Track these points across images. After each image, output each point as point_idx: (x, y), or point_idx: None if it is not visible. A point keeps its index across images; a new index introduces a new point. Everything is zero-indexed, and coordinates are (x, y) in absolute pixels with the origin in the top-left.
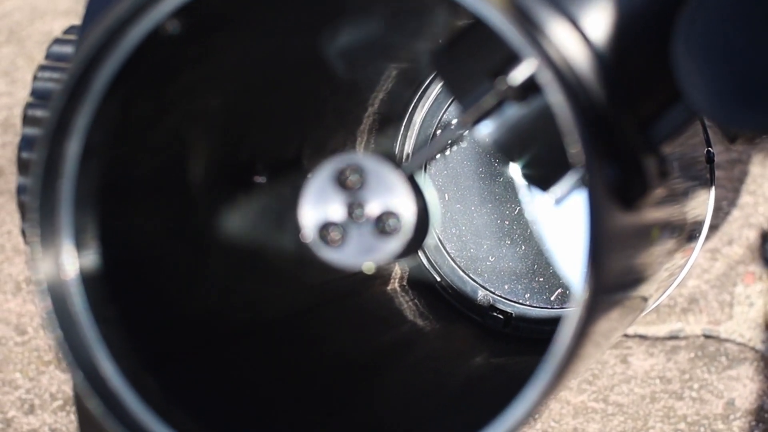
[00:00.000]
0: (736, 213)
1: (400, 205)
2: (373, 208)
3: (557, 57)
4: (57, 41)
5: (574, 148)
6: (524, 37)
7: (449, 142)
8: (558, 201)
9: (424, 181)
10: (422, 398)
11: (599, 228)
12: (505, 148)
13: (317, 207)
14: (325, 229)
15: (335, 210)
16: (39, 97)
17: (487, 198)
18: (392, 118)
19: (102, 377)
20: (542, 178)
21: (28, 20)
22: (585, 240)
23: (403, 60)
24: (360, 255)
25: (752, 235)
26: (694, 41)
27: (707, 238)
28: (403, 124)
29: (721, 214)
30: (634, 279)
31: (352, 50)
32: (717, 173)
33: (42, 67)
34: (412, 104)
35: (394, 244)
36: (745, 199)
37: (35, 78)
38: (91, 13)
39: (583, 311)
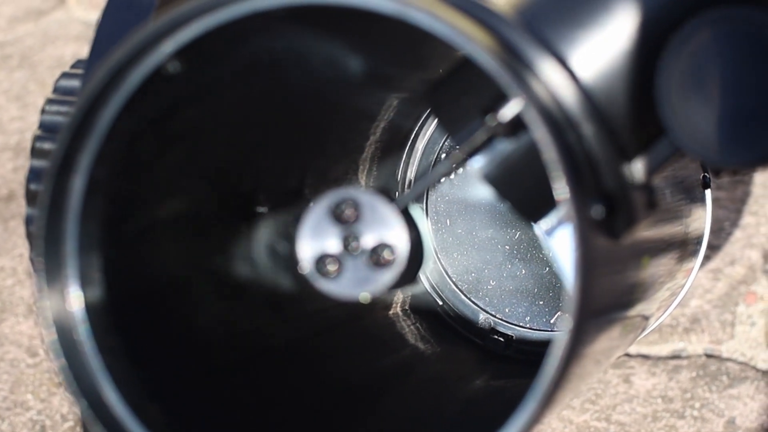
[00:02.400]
0: (738, 233)
1: (394, 237)
2: (368, 240)
3: (544, 95)
4: (64, 75)
5: (559, 183)
6: (510, 77)
7: (442, 175)
8: (548, 233)
9: (419, 213)
10: (422, 421)
11: (583, 259)
12: (496, 182)
13: (314, 240)
14: (321, 261)
15: (331, 243)
16: (47, 129)
17: (488, 223)
18: (394, 146)
19: (106, 405)
20: (532, 210)
21: (40, 45)
22: (571, 270)
23: (405, 90)
24: (356, 286)
25: (754, 256)
26: (677, 78)
27: (710, 258)
28: (405, 151)
29: (723, 234)
30: (628, 301)
31: (353, 81)
32: (719, 194)
33: (50, 101)
34: (414, 132)
35: (389, 275)
36: (746, 219)
37: (43, 111)
38: (96, 50)
39: (570, 336)
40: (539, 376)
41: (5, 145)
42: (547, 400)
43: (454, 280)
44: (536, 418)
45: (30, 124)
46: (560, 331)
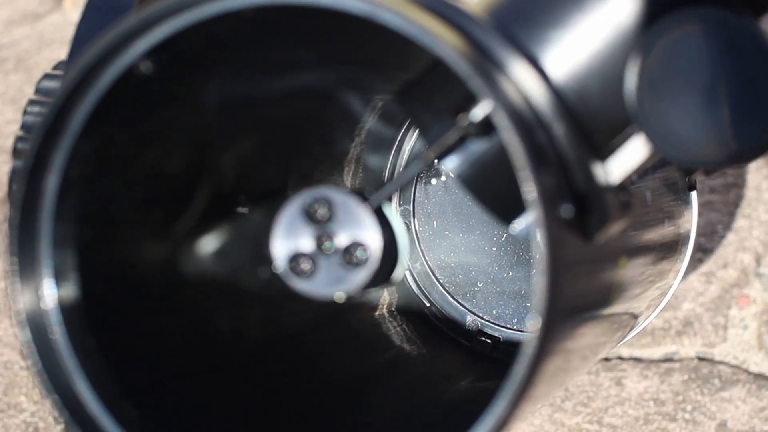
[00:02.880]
0: (731, 236)
1: (368, 237)
2: (341, 239)
3: (514, 95)
4: (46, 76)
5: (527, 184)
6: (480, 79)
7: (414, 175)
8: (520, 233)
9: (392, 212)
10: (407, 421)
11: (551, 259)
12: (469, 182)
13: (288, 239)
14: (295, 260)
15: (305, 242)
16: (28, 130)
17: (475, 225)
18: (380, 147)
19: (81, 404)
20: (505, 210)
21: (36, 48)
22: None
23: (388, 92)
24: (329, 285)
25: (747, 259)
26: (647, 78)
27: (702, 261)
28: (392, 153)
29: (716, 237)
30: (608, 299)
31: (333, 83)
32: (712, 197)
33: (32, 102)
34: (401, 133)
35: (362, 275)
36: (739, 222)
37: (25, 112)
38: (75, 52)
39: (539, 334)
40: (509, 374)
41: (1, 148)
42: (518, 398)
43: (441, 282)
44: (510, 414)
45: None
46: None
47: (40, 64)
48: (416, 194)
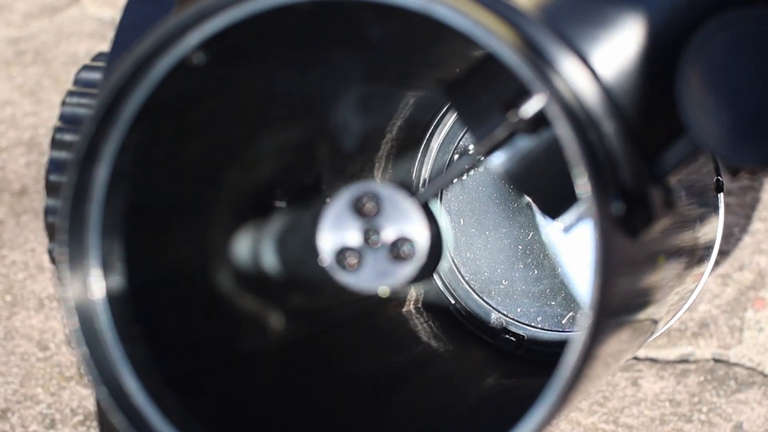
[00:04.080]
0: (747, 239)
1: (415, 231)
2: (388, 234)
3: (566, 92)
4: (85, 68)
5: (581, 180)
6: (534, 73)
7: (463, 170)
8: (566, 229)
9: (438, 208)
10: (433, 419)
11: (604, 256)
12: (516, 179)
13: (335, 232)
14: (342, 253)
15: (352, 236)
16: (67, 121)
17: (501, 223)
18: (409, 144)
19: (125, 394)
20: (552, 207)
21: (54, 41)
22: (591, 267)
23: (421, 88)
24: (375, 279)
25: (763, 261)
26: (697, 76)
27: (719, 263)
28: (420, 150)
29: (732, 240)
30: (641, 303)
31: (372, 78)
32: (729, 200)
33: (70, 93)
34: (429, 131)
35: (409, 269)
36: (756, 225)
37: (64, 103)
38: (119, 43)
39: (588, 335)
40: (555, 375)
41: (18, 141)
42: (562, 400)
43: (466, 279)
44: (550, 417)
45: (43, 119)
46: (572, 331)
47: (58, 57)
48: (443, 192)
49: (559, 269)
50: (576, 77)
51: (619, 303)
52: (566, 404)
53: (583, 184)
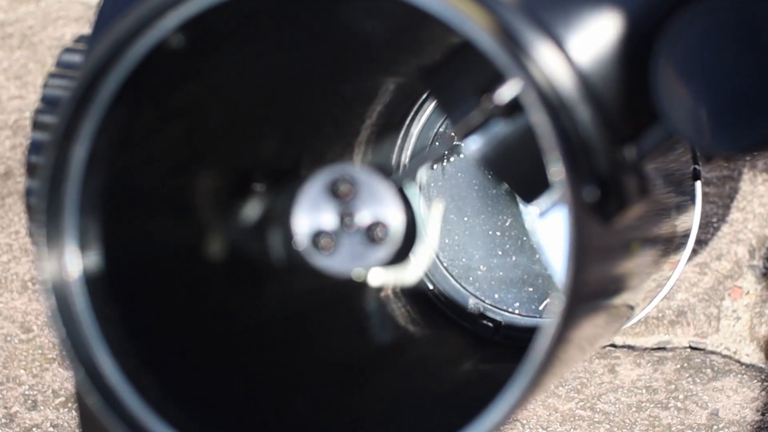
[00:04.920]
0: (725, 228)
1: (390, 215)
2: (363, 217)
3: (541, 78)
4: (67, 50)
5: (555, 165)
6: (509, 59)
7: (439, 155)
8: (541, 214)
9: (414, 192)
10: (410, 402)
11: (577, 241)
12: (492, 163)
13: (310, 215)
14: (317, 236)
15: (327, 219)
16: (48, 103)
17: (479, 209)
18: (389, 129)
19: (101, 374)
20: (528, 191)
21: (41, 25)
22: (564, 253)
23: (401, 75)
24: (350, 262)
25: (740, 251)
26: (672, 63)
27: (697, 252)
28: (400, 135)
29: (710, 229)
30: (616, 288)
31: (350, 63)
32: (708, 189)
33: (52, 75)
34: (409, 117)
35: (383, 252)
36: (734, 215)
37: (45, 85)
38: (101, 25)
39: (560, 318)
40: (526, 358)
41: (4, 124)
42: (534, 383)
43: (445, 265)
44: (522, 400)
45: (29, 103)
46: (548, 317)
47: (45, 41)
48: (421, 178)
49: (537, 256)
50: (551, 63)
51: (593, 287)
52: (538, 387)
53: (556, 170)
